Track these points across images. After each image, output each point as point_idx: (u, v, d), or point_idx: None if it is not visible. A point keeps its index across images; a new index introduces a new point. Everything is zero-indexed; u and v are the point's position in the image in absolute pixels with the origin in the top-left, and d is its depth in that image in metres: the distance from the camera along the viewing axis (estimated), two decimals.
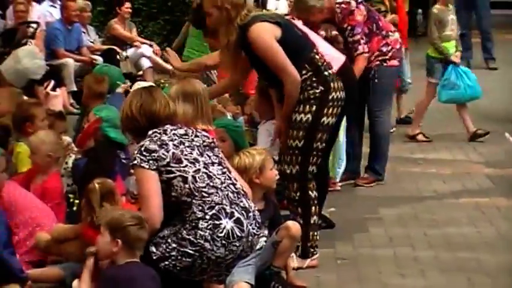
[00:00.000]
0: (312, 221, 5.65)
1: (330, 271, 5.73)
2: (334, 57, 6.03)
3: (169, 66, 12.10)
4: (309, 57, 5.62)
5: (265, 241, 5.30)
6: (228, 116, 7.92)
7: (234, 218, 4.57)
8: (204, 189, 4.56)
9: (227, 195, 4.63)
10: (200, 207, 4.53)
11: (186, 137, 4.71)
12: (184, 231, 4.51)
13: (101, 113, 6.36)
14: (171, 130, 4.69)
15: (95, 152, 6.14)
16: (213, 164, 4.70)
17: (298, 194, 5.64)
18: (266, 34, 5.49)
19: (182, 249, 4.51)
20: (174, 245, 4.52)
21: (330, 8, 7.42)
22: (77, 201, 6.00)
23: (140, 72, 12.36)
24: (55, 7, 12.94)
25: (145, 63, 12.47)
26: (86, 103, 7.73)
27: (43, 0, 13.43)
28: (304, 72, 5.56)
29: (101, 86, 7.69)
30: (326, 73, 5.63)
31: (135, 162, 4.57)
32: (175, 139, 4.65)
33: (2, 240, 4.73)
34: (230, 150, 6.25)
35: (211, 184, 4.60)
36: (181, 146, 4.63)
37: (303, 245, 5.63)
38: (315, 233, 5.70)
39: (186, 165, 4.58)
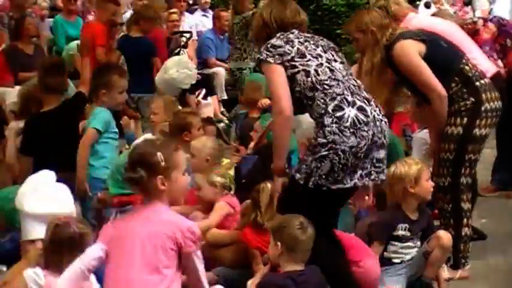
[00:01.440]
0: (463, 233, 5.61)
1: (481, 283, 5.66)
2: (486, 67, 5.99)
3: None
4: (458, 69, 5.56)
5: (417, 251, 5.32)
6: None
7: (357, 106, 4.58)
8: (326, 82, 4.61)
9: (348, 86, 4.67)
10: (322, 100, 4.57)
11: (312, 37, 4.83)
12: (313, 139, 4.58)
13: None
14: (298, 32, 4.83)
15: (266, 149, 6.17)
16: (335, 61, 4.76)
17: (450, 205, 5.61)
18: (410, 51, 5.48)
19: (318, 156, 4.50)
20: (310, 158, 4.54)
21: None
22: None
23: None
24: (207, 17, 13.28)
25: None
26: (244, 108, 7.94)
27: (195, 10, 13.82)
28: (453, 84, 5.51)
29: (256, 93, 7.94)
30: (477, 83, 5.55)
31: (262, 57, 4.67)
32: (301, 37, 4.78)
33: None
34: None
35: (332, 77, 4.65)
36: (306, 43, 4.74)
37: (454, 256, 5.60)
38: (467, 245, 5.67)
39: (309, 60, 4.66)
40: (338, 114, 4.52)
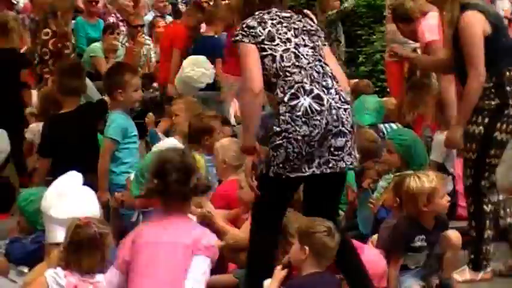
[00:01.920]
0: (485, 235, 5.58)
1: (503, 285, 5.67)
2: None
3: None
4: (500, 70, 5.54)
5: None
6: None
7: (313, 95, 4.62)
8: (288, 69, 4.66)
9: (311, 74, 4.68)
10: (282, 88, 4.65)
11: (288, 19, 4.85)
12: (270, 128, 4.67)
13: None
14: (276, 11, 4.85)
15: None
16: (305, 46, 4.77)
17: (472, 207, 5.59)
18: (476, 23, 5.47)
19: (273, 145, 4.60)
20: (268, 147, 4.65)
21: None
22: None
23: None
24: None
25: None
26: None
27: None
28: (488, 81, 5.49)
29: None
30: (508, 88, 5.53)
31: (237, 38, 4.73)
32: (275, 19, 4.80)
33: None
34: (396, 162, 6.39)
35: (296, 63, 4.69)
36: (279, 25, 4.77)
37: (475, 257, 5.59)
38: (488, 247, 5.64)
39: (277, 44, 4.70)
40: (292, 103, 4.60)
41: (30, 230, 5.53)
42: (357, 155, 4.87)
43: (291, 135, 4.56)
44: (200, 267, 4.20)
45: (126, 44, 11.05)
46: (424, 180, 5.29)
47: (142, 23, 11.63)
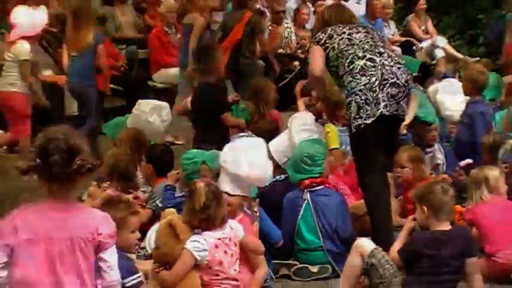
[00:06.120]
0: None
1: None
2: None
3: (460, 55, 13.12)
4: None
5: None
6: None
7: (366, 58, 5.95)
8: (343, 48, 6.02)
9: (362, 47, 6.02)
10: (341, 63, 6.00)
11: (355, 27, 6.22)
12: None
13: None
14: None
15: None
16: (358, 32, 6.13)
17: None
18: None
19: (347, 105, 5.87)
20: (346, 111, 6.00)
21: None
22: None
23: (434, 62, 12.91)
24: (359, 4, 13.64)
25: (439, 53, 13.00)
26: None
27: None
28: None
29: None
30: None
31: (313, 40, 6.31)
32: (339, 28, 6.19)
33: None
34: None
35: (349, 43, 6.04)
36: (337, 28, 6.16)
37: None
38: None
39: (335, 38, 6.08)
40: (350, 67, 5.93)
41: (186, 184, 6.13)
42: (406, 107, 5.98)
43: (354, 89, 5.82)
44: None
45: (270, 27, 12.05)
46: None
47: (283, 9, 12.46)
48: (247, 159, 5.74)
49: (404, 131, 7.12)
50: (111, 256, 3.67)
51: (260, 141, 6.23)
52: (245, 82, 9.62)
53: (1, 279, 3.53)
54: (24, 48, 8.65)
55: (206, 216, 5.04)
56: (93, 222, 3.62)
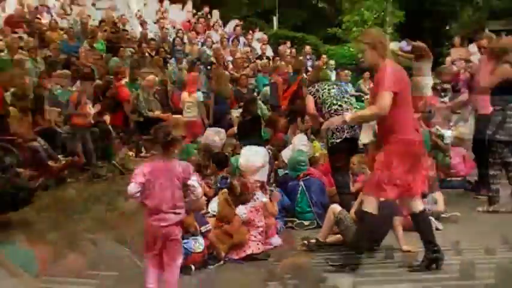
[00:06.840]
0: None
1: None
2: None
3: None
4: None
5: None
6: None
7: (338, 104, 8.61)
8: (325, 98, 8.59)
9: (336, 97, 8.66)
10: (324, 108, 8.68)
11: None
12: None
13: None
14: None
15: None
16: (333, 88, 8.71)
17: None
18: None
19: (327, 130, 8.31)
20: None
21: None
22: None
23: None
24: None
25: None
26: None
27: None
28: None
29: None
30: None
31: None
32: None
33: None
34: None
35: (328, 95, 8.60)
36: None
37: None
38: None
39: (320, 92, 8.81)
40: (328, 109, 8.73)
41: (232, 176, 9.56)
42: (359, 132, 8.62)
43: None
44: None
45: None
46: None
47: None
48: (249, 158, 9.51)
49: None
50: (192, 182, 5.99)
51: (261, 149, 9.98)
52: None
53: (137, 195, 5.79)
54: None
55: (242, 197, 8.19)
56: (180, 169, 5.84)
